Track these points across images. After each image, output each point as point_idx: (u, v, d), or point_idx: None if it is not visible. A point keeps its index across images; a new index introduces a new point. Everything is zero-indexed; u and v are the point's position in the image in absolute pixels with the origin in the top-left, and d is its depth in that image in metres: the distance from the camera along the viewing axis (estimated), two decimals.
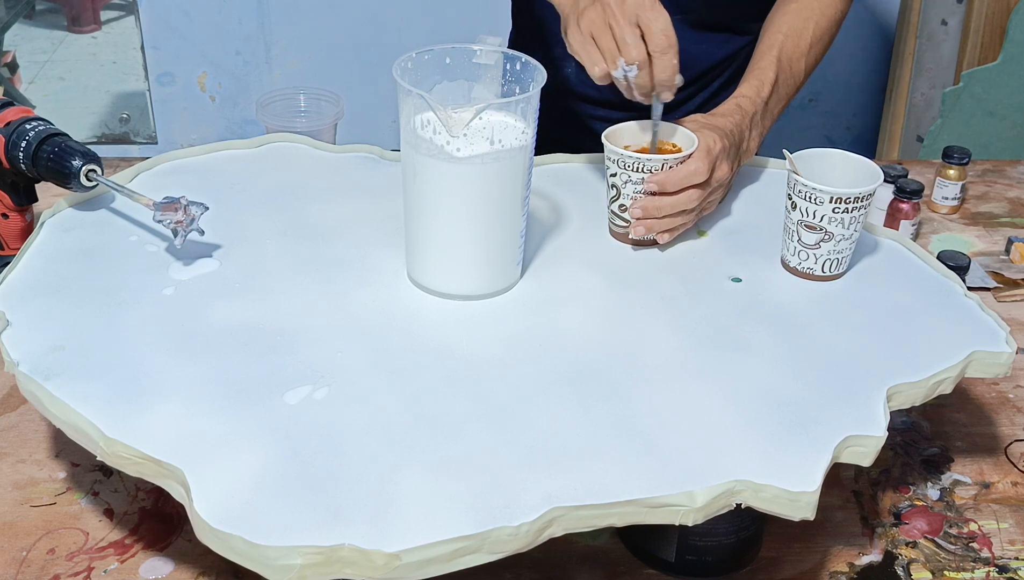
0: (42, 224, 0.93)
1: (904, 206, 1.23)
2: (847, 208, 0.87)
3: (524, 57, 0.84)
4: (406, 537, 0.63)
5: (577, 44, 0.91)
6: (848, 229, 0.88)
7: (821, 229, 0.88)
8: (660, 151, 0.95)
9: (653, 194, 0.91)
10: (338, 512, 0.65)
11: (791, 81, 1.05)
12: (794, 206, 0.90)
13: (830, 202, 0.87)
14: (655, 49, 0.87)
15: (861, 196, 0.87)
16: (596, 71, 0.90)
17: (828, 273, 0.91)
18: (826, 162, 0.92)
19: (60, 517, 0.83)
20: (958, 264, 1.11)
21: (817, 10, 1.08)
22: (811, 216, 0.88)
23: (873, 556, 0.83)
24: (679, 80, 0.89)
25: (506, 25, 1.34)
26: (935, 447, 0.95)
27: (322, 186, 1.01)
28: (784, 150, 0.91)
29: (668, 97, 0.91)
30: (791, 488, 0.68)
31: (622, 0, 0.87)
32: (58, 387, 0.74)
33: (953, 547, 0.84)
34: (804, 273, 0.91)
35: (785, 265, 0.92)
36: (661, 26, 0.86)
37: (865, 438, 0.73)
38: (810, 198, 0.88)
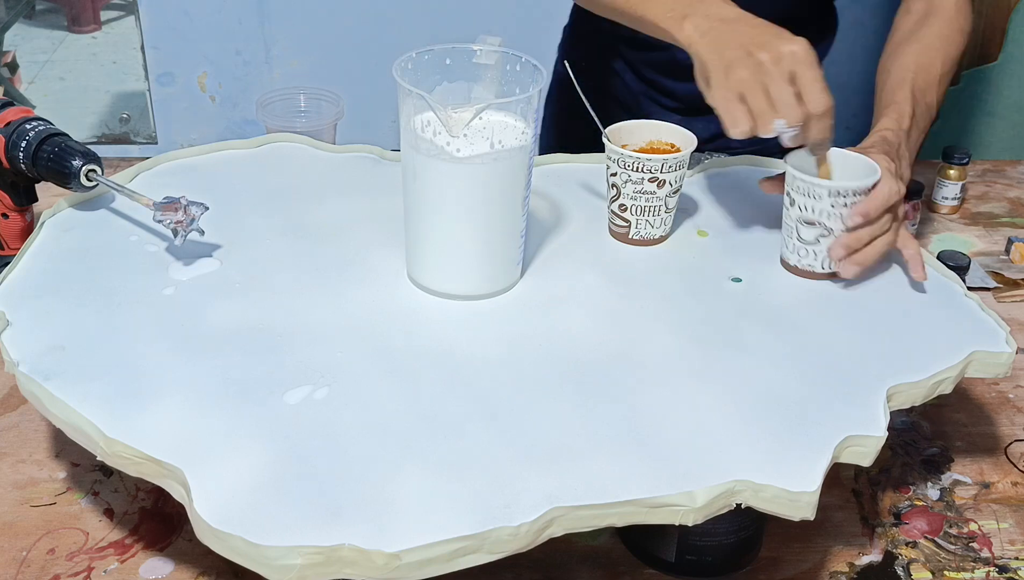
0: (42, 224, 0.92)
1: (904, 206, 1.23)
2: (845, 202, 0.87)
3: (524, 57, 0.84)
4: (406, 537, 0.63)
5: (721, 101, 0.86)
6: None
7: (820, 224, 0.88)
8: (658, 151, 0.95)
9: (854, 228, 0.88)
10: (338, 512, 0.65)
11: (927, 113, 1.06)
12: (792, 203, 0.90)
13: (828, 197, 0.87)
14: (814, 111, 0.85)
15: (859, 190, 0.87)
16: (737, 131, 0.86)
17: (829, 269, 0.90)
18: None
19: (60, 517, 0.83)
20: (958, 264, 1.12)
21: (941, 48, 1.10)
22: (810, 211, 0.88)
23: (873, 556, 0.83)
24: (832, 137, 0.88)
25: (505, 25, 1.34)
26: (935, 447, 0.95)
27: (322, 186, 1.00)
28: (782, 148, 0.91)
29: (820, 153, 0.89)
30: (791, 488, 0.68)
31: (778, 58, 0.84)
32: (58, 387, 0.74)
33: (953, 547, 0.84)
34: (804, 271, 0.91)
35: (785, 264, 0.92)
36: (820, 87, 0.84)
37: (865, 438, 0.73)
38: (808, 193, 0.88)
